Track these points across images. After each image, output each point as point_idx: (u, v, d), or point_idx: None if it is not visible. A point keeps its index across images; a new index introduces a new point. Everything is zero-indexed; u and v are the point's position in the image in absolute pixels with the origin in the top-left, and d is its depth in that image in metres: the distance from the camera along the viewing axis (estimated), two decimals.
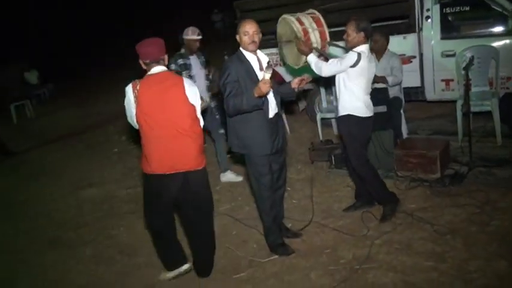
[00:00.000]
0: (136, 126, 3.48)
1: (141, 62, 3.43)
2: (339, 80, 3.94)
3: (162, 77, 3.39)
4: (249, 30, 3.51)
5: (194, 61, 5.25)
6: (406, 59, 5.61)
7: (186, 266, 3.79)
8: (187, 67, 5.14)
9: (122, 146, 7.97)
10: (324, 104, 6.45)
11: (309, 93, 6.89)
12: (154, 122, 3.34)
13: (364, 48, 3.83)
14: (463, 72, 4.50)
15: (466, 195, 4.15)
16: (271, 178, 3.75)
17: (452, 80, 5.45)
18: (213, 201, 3.82)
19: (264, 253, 3.89)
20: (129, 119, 3.51)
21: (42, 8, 19.78)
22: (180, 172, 3.43)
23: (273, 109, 3.67)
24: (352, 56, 3.76)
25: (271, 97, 3.65)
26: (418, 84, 5.74)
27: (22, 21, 19.01)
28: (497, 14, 5.22)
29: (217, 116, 5.43)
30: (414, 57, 5.64)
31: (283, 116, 6.70)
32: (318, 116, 6.30)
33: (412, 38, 5.60)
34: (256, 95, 3.30)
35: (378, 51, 5.07)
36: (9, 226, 5.57)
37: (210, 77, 5.48)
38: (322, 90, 6.39)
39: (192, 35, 5.21)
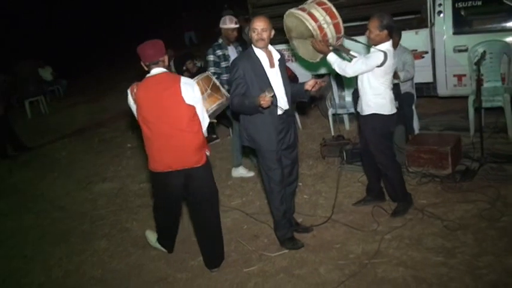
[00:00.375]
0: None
1: (142, 64, 3.53)
2: (362, 79, 3.87)
3: (159, 79, 3.45)
4: (257, 27, 3.53)
5: (232, 52, 5.14)
6: (418, 55, 5.58)
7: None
8: (225, 58, 5.05)
9: (135, 141, 8.06)
10: (336, 100, 6.45)
11: (320, 88, 6.88)
12: (152, 122, 3.44)
13: (388, 45, 3.75)
14: (474, 67, 4.48)
15: (477, 191, 4.14)
16: (281, 173, 3.77)
17: (464, 76, 5.41)
18: (218, 195, 3.90)
19: (274, 247, 3.94)
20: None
21: (57, 5, 19.97)
22: (180, 170, 3.52)
23: (282, 106, 3.69)
24: (378, 56, 3.69)
25: (281, 94, 3.67)
26: (430, 79, 5.70)
27: (37, 18, 19.20)
28: (509, 8, 5.16)
29: None
30: (426, 52, 5.60)
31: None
32: (330, 112, 6.31)
33: (424, 33, 5.57)
34: (256, 104, 3.40)
35: None
36: (25, 219, 5.69)
37: None
38: (334, 86, 6.39)
39: (229, 24, 5.14)
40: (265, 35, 3.54)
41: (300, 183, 5.07)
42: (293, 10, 3.97)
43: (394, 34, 3.90)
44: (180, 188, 3.65)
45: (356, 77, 3.95)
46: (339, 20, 3.91)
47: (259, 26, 3.53)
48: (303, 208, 4.52)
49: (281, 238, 3.92)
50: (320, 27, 3.83)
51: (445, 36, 5.50)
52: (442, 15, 5.48)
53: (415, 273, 3.23)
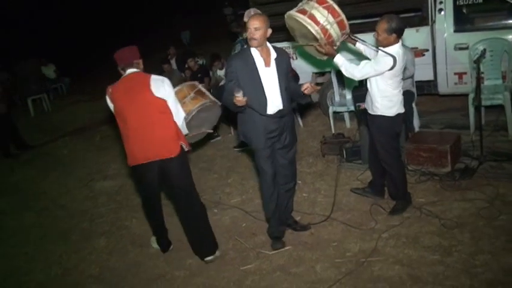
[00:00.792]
0: None
1: (118, 69, 3.74)
2: (370, 80, 3.83)
3: (131, 77, 3.68)
4: (250, 26, 3.50)
5: None
6: (418, 52, 5.57)
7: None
8: None
9: None
10: (337, 98, 6.44)
11: (321, 86, 6.87)
12: (127, 117, 3.62)
13: (397, 48, 3.68)
14: (474, 65, 4.45)
15: (476, 189, 4.13)
16: (272, 172, 3.78)
17: (465, 73, 5.39)
18: (194, 185, 3.97)
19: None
20: None
21: (60, 3, 20.04)
22: (154, 161, 3.67)
23: (275, 105, 3.65)
24: (387, 61, 3.62)
25: (275, 94, 3.63)
26: (430, 77, 5.69)
27: (39, 16, 19.26)
28: (510, 6, 5.13)
29: None
30: (427, 50, 5.58)
31: (295, 109, 6.76)
32: (330, 110, 6.30)
33: (425, 30, 5.55)
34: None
35: None
36: (26, 217, 5.73)
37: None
38: (335, 84, 6.37)
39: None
40: (257, 34, 3.48)
41: (299, 181, 5.06)
42: (292, 13, 3.81)
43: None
44: (155, 180, 3.79)
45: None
46: (343, 16, 3.76)
47: (252, 25, 3.49)
48: (302, 206, 4.51)
49: (269, 235, 3.99)
50: (323, 29, 3.69)
51: (445, 34, 5.48)
52: (443, 12, 5.46)
53: (411, 272, 3.23)
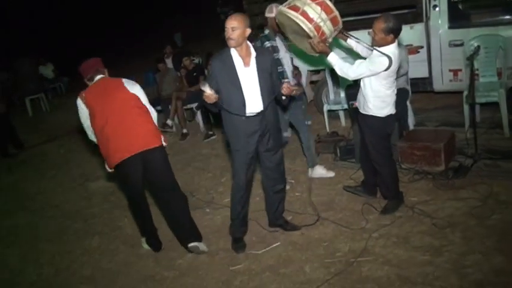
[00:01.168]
0: (93, 137, 3.94)
1: (85, 81, 3.91)
2: (364, 80, 3.77)
3: (103, 81, 3.89)
4: (227, 26, 3.43)
5: (279, 43, 4.65)
6: (413, 49, 5.51)
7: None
8: (275, 50, 4.52)
9: None
10: (331, 96, 6.39)
11: (316, 84, 6.83)
12: (107, 117, 3.73)
13: (393, 48, 3.62)
14: (467, 62, 4.39)
15: (469, 188, 4.07)
16: (245, 176, 3.75)
17: (460, 70, 5.31)
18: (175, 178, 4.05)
19: (262, 245, 3.91)
20: (87, 131, 3.97)
21: (61, 3, 20.05)
22: (137, 154, 3.74)
23: (255, 106, 3.58)
24: (383, 62, 3.55)
25: (253, 94, 3.56)
26: (425, 74, 5.63)
27: (38, 15, 19.26)
28: (506, 2, 5.07)
29: (303, 106, 4.89)
30: (422, 47, 5.52)
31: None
32: (325, 108, 6.25)
33: (419, 27, 5.49)
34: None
35: None
36: (21, 217, 5.74)
37: None
38: (330, 82, 6.33)
39: (276, 12, 4.69)
40: (235, 35, 3.41)
41: (292, 181, 5.05)
42: (284, 9, 3.73)
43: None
44: (140, 175, 3.85)
45: None
46: (336, 13, 3.70)
47: (229, 25, 3.42)
48: (294, 205, 4.48)
49: (230, 234, 4.01)
50: (317, 27, 3.62)
51: (440, 31, 5.41)
52: (437, 9, 5.39)
53: (399, 272, 3.18)
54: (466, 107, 4.95)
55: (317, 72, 6.82)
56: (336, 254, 3.58)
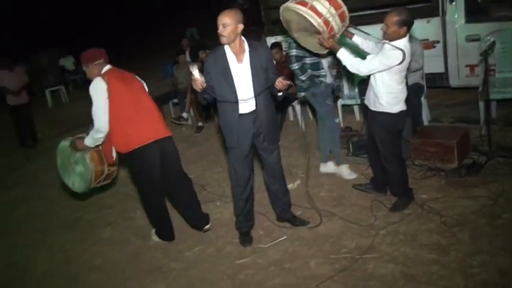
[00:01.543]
0: (103, 123, 3.77)
1: (91, 65, 3.84)
2: (375, 75, 3.70)
3: (115, 69, 3.93)
4: (218, 23, 3.38)
5: None
6: (429, 44, 5.41)
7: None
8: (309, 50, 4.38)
9: None
10: (346, 90, 6.32)
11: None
12: (130, 96, 3.80)
13: (405, 41, 3.55)
14: (481, 57, 4.29)
15: (482, 186, 3.98)
16: (245, 173, 3.79)
17: (477, 66, 5.19)
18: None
19: (268, 239, 3.92)
20: (100, 114, 3.76)
21: None
22: (157, 140, 3.85)
23: (248, 105, 3.57)
24: (397, 55, 3.48)
25: (246, 92, 3.52)
26: (441, 70, 5.53)
27: (59, 7, 19.55)
28: None
29: (330, 102, 4.71)
30: (438, 42, 5.42)
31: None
32: (339, 103, 6.19)
33: (435, 21, 5.38)
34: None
35: None
36: (36, 206, 5.88)
37: None
38: (344, 76, 6.26)
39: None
40: (226, 31, 3.35)
41: (303, 175, 5.02)
42: (291, 5, 3.66)
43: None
44: (158, 161, 3.91)
45: None
46: (344, 8, 3.67)
47: (220, 21, 3.36)
48: (303, 200, 4.45)
49: (237, 229, 4.03)
50: (326, 22, 3.57)
51: (457, 25, 5.30)
52: (454, 3, 5.28)
53: (404, 270, 3.15)
54: (481, 103, 4.84)
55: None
56: (341, 250, 3.56)
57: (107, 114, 3.74)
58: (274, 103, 3.74)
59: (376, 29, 4.12)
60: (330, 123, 4.71)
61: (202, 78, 3.37)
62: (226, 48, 3.49)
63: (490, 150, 4.32)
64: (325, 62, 4.51)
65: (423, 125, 5.13)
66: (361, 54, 3.83)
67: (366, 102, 4.00)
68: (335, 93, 4.89)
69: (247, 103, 3.55)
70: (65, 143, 4.22)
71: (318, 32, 3.62)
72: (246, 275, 3.53)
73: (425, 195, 4.07)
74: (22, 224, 5.45)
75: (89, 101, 3.82)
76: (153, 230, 4.35)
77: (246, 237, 3.95)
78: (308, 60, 4.49)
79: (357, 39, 3.90)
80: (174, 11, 19.96)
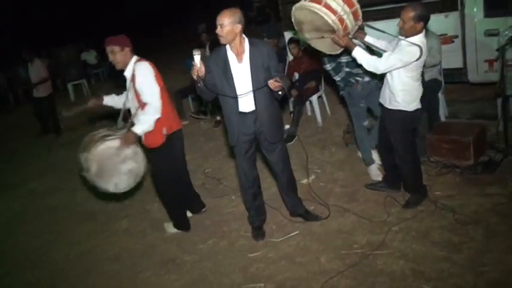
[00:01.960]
0: (158, 103, 3.83)
1: (127, 49, 3.88)
2: (392, 73, 3.65)
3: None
4: (217, 23, 3.38)
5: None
6: (447, 39, 5.33)
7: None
8: None
9: None
10: None
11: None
12: (163, 87, 3.94)
13: (421, 37, 3.53)
14: (497, 53, 4.22)
15: (497, 184, 3.94)
16: (245, 170, 3.86)
17: (496, 61, 5.09)
18: None
19: (281, 234, 3.96)
20: (157, 94, 3.84)
21: None
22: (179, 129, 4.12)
23: (247, 105, 3.60)
24: (414, 52, 3.45)
25: (245, 91, 3.53)
26: (460, 65, 5.43)
27: (81, 1, 19.84)
28: None
29: (363, 104, 4.58)
30: (456, 36, 5.33)
31: (323, 97, 6.66)
32: None
33: (454, 16, 5.29)
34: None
35: None
36: (56, 197, 6.05)
37: None
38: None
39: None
40: (223, 32, 3.35)
41: (319, 170, 5.04)
42: (305, 3, 3.57)
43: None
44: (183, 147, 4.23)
45: None
46: (357, 6, 3.62)
47: (218, 22, 3.36)
48: (317, 196, 4.46)
49: (249, 224, 4.09)
50: (340, 19, 3.50)
51: (475, 19, 5.19)
52: None
53: (414, 267, 3.16)
54: (499, 99, 4.76)
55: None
56: (353, 246, 3.58)
57: (159, 93, 3.85)
58: (276, 102, 3.72)
59: (390, 24, 4.10)
60: (356, 125, 4.64)
61: (202, 68, 3.38)
62: (228, 48, 3.50)
63: (507, 147, 4.25)
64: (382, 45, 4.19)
65: (440, 121, 5.07)
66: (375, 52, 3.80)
67: (380, 100, 3.96)
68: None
69: (246, 104, 3.58)
70: (104, 145, 3.81)
71: (331, 31, 3.57)
72: (257, 268, 3.59)
73: (439, 192, 4.05)
74: (42, 215, 5.60)
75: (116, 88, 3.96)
76: (167, 224, 4.45)
77: (258, 232, 4.00)
78: (344, 59, 4.41)
79: (369, 39, 3.85)
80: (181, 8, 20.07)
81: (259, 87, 3.50)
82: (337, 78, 4.50)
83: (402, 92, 3.67)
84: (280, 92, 3.39)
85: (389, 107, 3.82)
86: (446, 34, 5.34)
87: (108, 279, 3.98)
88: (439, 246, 3.32)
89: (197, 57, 3.35)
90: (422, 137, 4.67)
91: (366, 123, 4.69)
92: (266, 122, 3.64)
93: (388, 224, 3.74)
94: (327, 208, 4.15)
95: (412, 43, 3.47)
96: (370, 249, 3.47)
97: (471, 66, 5.36)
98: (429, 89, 4.79)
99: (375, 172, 4.61)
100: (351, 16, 3.59)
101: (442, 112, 5.24)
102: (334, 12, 3.49)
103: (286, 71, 6.67)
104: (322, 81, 6.60)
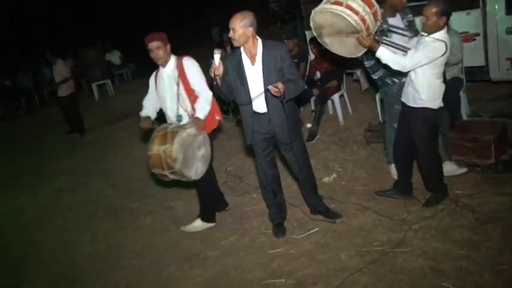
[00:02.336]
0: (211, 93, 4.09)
1: (168, 46, 4.02)
2: (417, 70, 3.65)
3: None
4: (229, 27, 3.46)
5: (398, 21, 4.09)
6: (469, 36, 5.31)
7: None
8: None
9: None
10: None
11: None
12: None
13: (444, 33, 3.54)
14: None
15: None
16: (263, 168, 3.95)
17: None
18: None
19: (301, 231, 4.02)
20: (208, 88, 4.07)
21: None
22: None
23: (260, 106, 3.68)
24: (440, 46, 3.46)
25: (258, 91, 3.60)
26: (482, 63, 5.40)
27: (106, 3, 20.15)
28: None
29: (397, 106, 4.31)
30: (478, 34, 5.30)
31: (345, 95, 6.68)
32: (378, 96, 6.15)
33: (475, 14, 5.26)
34: None
35: None
36: (81, 194, 6.24)
37: None
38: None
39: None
40: (235, 35, 3.44)
41: (340, 169, 5.08)
42: (327, 6, 3.55)
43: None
44: None
45: None
46: (377, 7, 3.63)
47: (230, 26, 3.46)
48: (338, 194, 4.52)
49: (270, 221, 4.17)
50: (363, 20, 3.49)
51: (497, 17, 5.14)
52: None
53: (434, 265, 3.18)
54: None
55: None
56: (373, 243, 3.61)
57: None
58: (293, 102, 3.77)
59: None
60: (388, 124, 4.57)
61: (221, 67, 3.49)
62: (242, 51, 3.59)
63: None
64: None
65: (461, 120, 5.05)
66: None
67: (402, 99, 3.95)
68: None
69: (259, 105, 3.68)
70: (185, 132, 3.86)
71: (354, 32, 3.55)
72: (278, 264, 3.66)
73: (459, 191, 4.05)
74: (67, 211, 5.80)
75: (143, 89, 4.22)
76: (195, 222, 4.52)
77: (279, 229, 4.08)
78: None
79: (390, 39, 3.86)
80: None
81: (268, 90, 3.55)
82: (374, 76, 4.45)
83: (427, 89, 3.67)
84: (283, 98, 3.41)
85: (414, 105, 3.80)
86: (468, 32, 5.31)
87: (132, 274, 4.12)
88: (459, 244, 3.34)
89: (217, 56, 3.46)
90: (443, 135, 4.67)
91: (395, 125, 4.58)
92: (278, 123, 3.69)
93: (408, 222, 3.76)
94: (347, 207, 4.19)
95: (437, 39, 3.50)
96: (390, 246, 3.50)
97: (493, 64, 5.33)
98: (451, 87, 4.78)
99: (396, 171, 4.61)
100: (371, 16, 3.59)
101: (464, 110, 5.21)
102: (356, 12, 3.49)
103: (307, 70, 6.70)
104: (344, 80, 6.62)
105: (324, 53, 6.54)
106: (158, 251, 4.37)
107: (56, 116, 10.23)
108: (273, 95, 3.43)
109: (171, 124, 4.03)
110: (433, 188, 4.01)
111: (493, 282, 2.90)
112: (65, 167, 7.63)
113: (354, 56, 3.89)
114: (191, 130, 3.90)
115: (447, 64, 4.68)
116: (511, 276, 2.91)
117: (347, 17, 3.46)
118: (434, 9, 3.46)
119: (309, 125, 6.30)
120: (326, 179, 4.86)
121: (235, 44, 3.51)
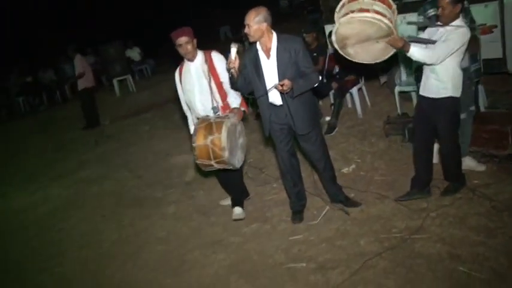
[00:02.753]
0: None
1: (195, 40, 4.12)
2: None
3: None
4: (244, 23, 3.61)
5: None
6: (487, 29, 5.34)
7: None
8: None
9: None
10: (403, 77, 6.32)
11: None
12: None
13: (461, 20, 3.62)
14: None
15: None
16: (282, 158, 4.10)
17: None
18: None
19: (322, 220, 4.14)
20: None
21: None
22: None
23: (275, 99, 3.81)
24: (464, 32, 3.52)
25: (271, 84, 3.69)
26: (499, 55, 5.43)
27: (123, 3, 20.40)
28: None
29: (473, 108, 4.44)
30: (495, 26, 5.33)
31: (363, 89, 6.76)
32: (396, 89, 6.21)
33: (493, 6, 5.29)
34: None
35: None
36: (105, 185, 6.44)
37: None
38: (401, 63, 6.27)
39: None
40: (250, 31, 3.59)
41: (359, 160, 5.17)
42: (354, 15, 3.42)
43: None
44: None
45: None
46: (394, 6, 3.60)
47: (245, 22, 3.61)
48: (357, 184, 4.62)
49: (290, 208, 4.30)
50: (391, 21, 3.44)
51: None
52: None
53: (451, 250, 3.28)
54: None
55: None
56: (392, 230, 3.71)
57: None
58: (310, 93, 3.88)
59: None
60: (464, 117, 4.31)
61: (237, 61, 3.64)
62: (258, 45, 3.72)
63: None
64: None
65: (479, 111, 5.10)
66: None
67: (423, 93, 3.91)
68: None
69: (274, 98, 3.81)
70: (229, 122, 3.91)
71: (385, 36, 3.45)
72: (299, 250, 3.79)
73: (477, 180, 4.12)
74: (91, 201, 6.01)
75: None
76: (236, 210, 4.55)
77: (296, 215, 4.21)
78: None
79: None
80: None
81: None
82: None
83: (452, 79, 3.70)
84: (291, 93, 3.59)
85: (437, 96, 3.77)
86: (485, 24, 5.34)
87: (158, 258, 4.29)
88: (475, 231, 3.43)
89: (233, 50, 3.62)
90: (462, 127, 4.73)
91: (472, 107, 4.49)
92: (294, 114, 3.81)
93: (426, 210, 3.85)
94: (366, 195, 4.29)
95: (458, 25, 3.57)
96: (408, 233, 3.60)
97: (510, 56, 5.35)
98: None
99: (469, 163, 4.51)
100: (395, 16, 3.59)
101: (481, 102, 5.26)
102: (384, 15, 3.44)
103: (326, 63, 6.79)
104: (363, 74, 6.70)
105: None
106: (182, 237, 4.53)
107: (77, 111, 10.47)
108: (280, 92, 3.60)
109: (207, 116, 4.09)
110: (452, 177, 4.07)
111: (509, 267, 3.00)
112: (88, 160, 7.85)
113: (378, 61, 3.79)
114: (233, 119, 3.99)
115: None
116: None
117: (378, 22, 3.37)
118: None
119: (328, 118, 6.39)
120: (345, 170, 4.96)
121: (251, 39, 3.66)
